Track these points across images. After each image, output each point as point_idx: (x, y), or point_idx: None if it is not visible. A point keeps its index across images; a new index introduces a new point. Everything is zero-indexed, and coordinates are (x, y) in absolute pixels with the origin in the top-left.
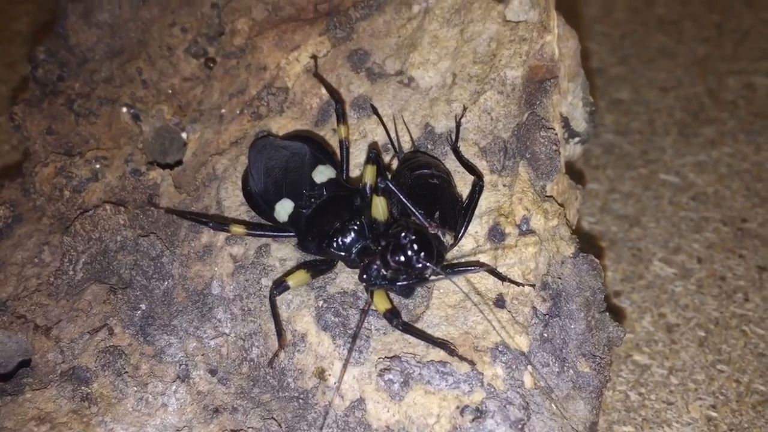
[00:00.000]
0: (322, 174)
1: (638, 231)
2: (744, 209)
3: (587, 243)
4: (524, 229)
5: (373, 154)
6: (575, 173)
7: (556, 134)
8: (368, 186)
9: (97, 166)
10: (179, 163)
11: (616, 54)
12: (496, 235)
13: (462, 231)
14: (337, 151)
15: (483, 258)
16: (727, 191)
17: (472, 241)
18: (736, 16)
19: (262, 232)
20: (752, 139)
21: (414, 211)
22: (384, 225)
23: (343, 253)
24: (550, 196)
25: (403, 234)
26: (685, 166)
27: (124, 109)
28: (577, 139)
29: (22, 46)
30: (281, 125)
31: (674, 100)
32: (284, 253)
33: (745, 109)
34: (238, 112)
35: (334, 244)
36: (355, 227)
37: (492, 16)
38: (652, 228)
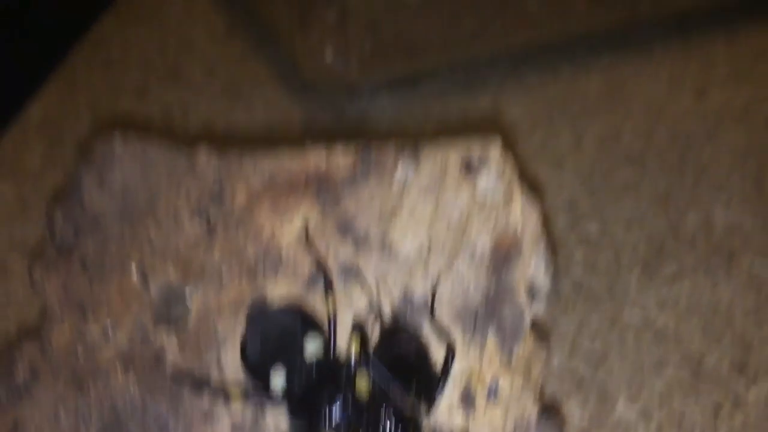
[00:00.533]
0: (312, 345)
1: (604, 370)
2: (701, 346)
3: (556, 385)
4: (493, 393)
5: (358, 328)
6: (545, 313)
7: (521, 300)
8: (353, 360)
9: (109, 327)
10: (183, 323)
11: (586, 186)
12: (467, 398)
13: (437, 397)
14: (325, 317)
15: (456, 419)
16: (686, 329)
17: (446, 404)
18: (698, 147)
19: (259, 399)
20: (710, 276)
21: (393, 387)
22: (368, 398)
23: (329, 426)
24: (518, 358)
25: (383, 413)
26: (647, 303)
27: (134, 271)
28: (541, 295)
29: (35, 183)
30: (276, 288)
31: (638, 235)
32: (279, 419)
33: (704, 245)
34: (236, 274)
35: (321, 418)
36: (340, 401)
37: (463, 189)
38: (617, 367)
